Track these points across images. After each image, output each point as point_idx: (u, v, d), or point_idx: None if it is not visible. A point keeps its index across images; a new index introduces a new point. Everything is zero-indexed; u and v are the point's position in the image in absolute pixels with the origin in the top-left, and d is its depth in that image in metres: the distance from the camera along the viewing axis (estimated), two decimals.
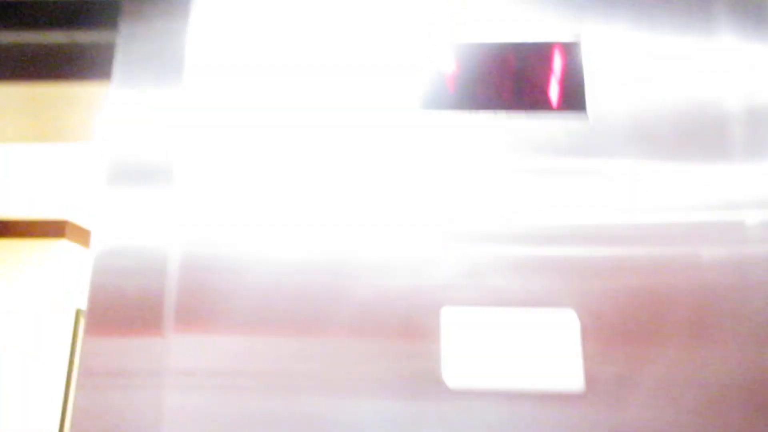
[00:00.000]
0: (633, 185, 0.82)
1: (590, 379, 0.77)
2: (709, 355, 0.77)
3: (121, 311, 0.89)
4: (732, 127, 0.82)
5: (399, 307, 0.79)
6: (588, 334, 0.78)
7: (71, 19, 1.13)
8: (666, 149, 0.82)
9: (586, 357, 0.78)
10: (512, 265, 0.80)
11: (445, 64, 0.88)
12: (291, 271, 0.84)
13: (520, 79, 0.87)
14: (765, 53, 0.84)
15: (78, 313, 3.44)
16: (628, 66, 0.85)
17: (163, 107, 0.90)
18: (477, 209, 0.83)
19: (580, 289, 0.79)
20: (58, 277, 3.47)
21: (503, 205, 0.83)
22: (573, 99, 0.84)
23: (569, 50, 0.87)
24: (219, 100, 0.89)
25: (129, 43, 0.93)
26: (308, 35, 0.91)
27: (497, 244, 0.81)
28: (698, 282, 0.78)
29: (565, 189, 0.82)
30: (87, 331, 0.85)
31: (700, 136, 0.82)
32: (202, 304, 0.84)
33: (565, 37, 0.88)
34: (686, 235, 0.80)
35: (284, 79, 0.89)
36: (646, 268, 0.79)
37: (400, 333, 0.79)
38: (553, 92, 0.85)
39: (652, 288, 0.79)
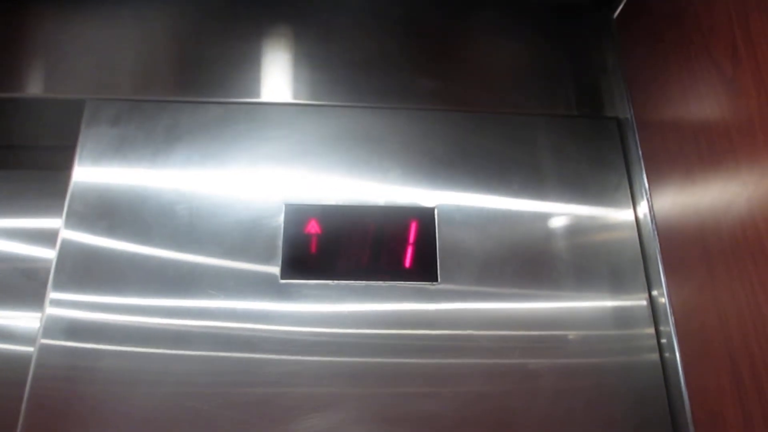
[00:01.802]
0: (478, 324, 0.94)
1: None
2: None
3: None
4: (560, 268, 0.98)
5: None
6: None
7: None
8: (507, 283, 0.97)
9: None
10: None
11: (309, 228, 0.97)
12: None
13: (378, 246, 0.97)
14: (584, 211, 1.03)
15: None
16: (474, 227, 0.99)
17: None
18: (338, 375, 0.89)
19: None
20: None
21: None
22: (425, 265, 0.97)
23: (424, 218, 0.99)
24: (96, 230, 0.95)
25: None
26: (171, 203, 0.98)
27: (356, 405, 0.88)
28: (529, 386, 0.90)
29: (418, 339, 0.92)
30: None
31: (535, 271, 0.98)
32: (65, 420, 0.83)
33: (421, 205, 1.00)
34: (520, 348, 0.93)
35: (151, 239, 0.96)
36: (485, 378, 0.91)
37: None
38: (408, 260, 0.96)
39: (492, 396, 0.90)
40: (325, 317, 0.92)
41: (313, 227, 0.97)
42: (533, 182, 1.04)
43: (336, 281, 0.94)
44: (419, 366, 0.90)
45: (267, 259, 0.94)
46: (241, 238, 0.95)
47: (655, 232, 0.97)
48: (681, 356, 0.88)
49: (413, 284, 0.95)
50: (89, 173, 0.97)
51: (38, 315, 0.89)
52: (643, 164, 1.00)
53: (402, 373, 0.89)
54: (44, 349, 0.86)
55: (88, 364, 0.86)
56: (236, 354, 0.88)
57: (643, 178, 1.00)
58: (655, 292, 0.96)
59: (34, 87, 1.05)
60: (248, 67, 1.09)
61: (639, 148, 1.02)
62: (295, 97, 1.08)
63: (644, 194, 1.00)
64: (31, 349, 0.88)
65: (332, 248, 0.96)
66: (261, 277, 0.93)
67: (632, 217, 1.02)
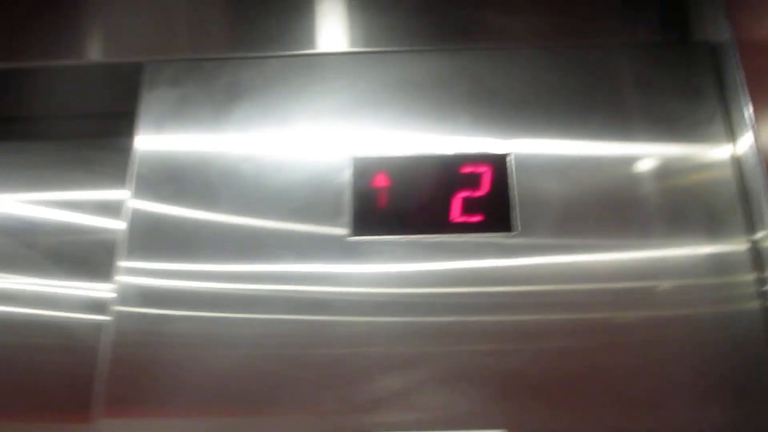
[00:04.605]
0: (560, 278, 0.88)
1: None
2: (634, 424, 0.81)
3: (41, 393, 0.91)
4: (649, 211, 0.90)
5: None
6: None
7: None
8: (591, 232, 0.89)
9: None
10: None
11: (377, 181, 0.92)
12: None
13: (449, 197, 0.91)
14: (674, 147, 0.93)
15: None
16: (552, 173, 0.92)
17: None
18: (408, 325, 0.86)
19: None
20: None
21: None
22: (501, 216, 0.91)
23: (497, 165, 0.92)
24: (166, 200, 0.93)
25: None
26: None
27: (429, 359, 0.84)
28: (616, 341, 0.85)
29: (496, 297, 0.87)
30: None
31: (621, 218, 0.90)
32: (145, 384, 0.83)
33: (494, 151, 0.93)
34: (606, 301, 0.86)
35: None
36: (571, 334, 0.85)
37: None
38: (482, 211, 0.90)
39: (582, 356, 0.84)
40: (397, 276, 0.88)
41: (381, 181, 0.93)
42: (616, 120, 0.95)
43: (407, 236, 0.89)
44: (498, 324, 0.85)
45: (335, 216, 0.91)
46: (308, 195, 0.92)
47: (761, 163, 0.86)
48: None
49: (488, 236, 0.89)
50: (152, 137, 0.96)
51: (111, 285, 0.90)
52: (747, 91, 0.89)
53: (480, 331, 0.85)
54: (120, 316, 0.87)
55: (163, 329, 0.86)
56: (308, 316, 0.86)
57: (745, 105, 0.90)
58: (758, 235, 0.87)
59: (93, 53, 1.04)
60: (303, 16, 1.04)
61: (741, 73, 0.91)
62: (353, 45, 1.02)
63: (748, 124, 0.90)
64: (104, 317, 0.89)
65: (402, 202, 0.91)
66: (329, 235, 0.90)
67: (730, 153, 0.92)
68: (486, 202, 0.91)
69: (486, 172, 0.93)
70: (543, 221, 0.90)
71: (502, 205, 0.91)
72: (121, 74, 1.03)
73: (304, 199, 0.92)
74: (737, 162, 0.92)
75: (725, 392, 0.82)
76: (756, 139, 0.88)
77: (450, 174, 0.93)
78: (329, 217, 0.91)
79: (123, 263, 0.90)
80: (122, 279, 0.89)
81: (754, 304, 0.85)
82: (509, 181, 0.92)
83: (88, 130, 1.14)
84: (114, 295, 0.88)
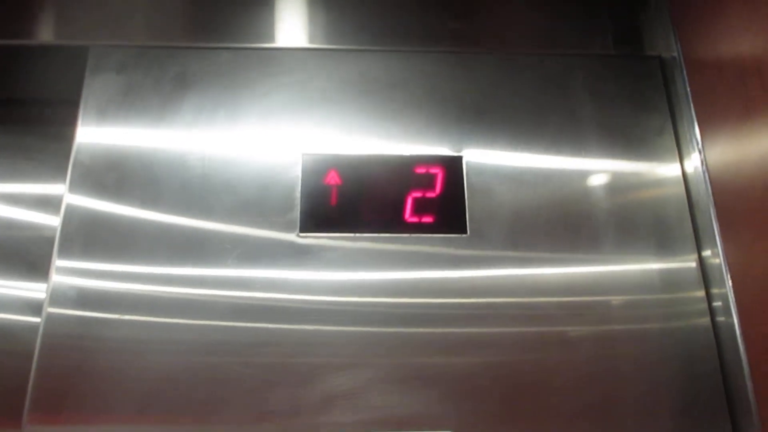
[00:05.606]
0: (510, 290, 0.87)
1: None
2: None
3: None
4: (599, 224, 0.91)
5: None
6: None
7: None
8: (541, 239, 0.90)
9: None
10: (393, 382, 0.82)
11: (328, 179, 0.91)
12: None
13: (402, 197, 0.91)
14: (625, 158, 0.95)
15: None
16: (505, 176, 0.92)
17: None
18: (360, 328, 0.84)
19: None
20: None
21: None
22: (453, 217, 0.90)
23: (451, 167, 0.92)
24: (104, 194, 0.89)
25: None
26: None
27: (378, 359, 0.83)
28: (568, 355, 0.85)
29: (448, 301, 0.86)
30: None
31: (570, 227, 0.91)
32: (75, 389, 0.79)
33: (447, 153, 0.94)
34: (558, 315, 0.86)
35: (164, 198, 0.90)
36: (520, 346, 0.85)
37: None
38: (434, 211, 0.90)
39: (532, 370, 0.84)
40: (348, 282, 0.86)
41: (333, 178, 0.91)
42: (569, 127, 0.96)
43: (358, 234, 0.88)
44: (448, 335, 0.84)
45: (285, 213, 0.89)
46: (257, 191, 0.90)
47: (708, 180, 0.88)
48: (739, 317, 0.81)
49: (440, 236, 0.88)
50: (94, 125, 0.92)
51: (44, 285, 0.85)
52: (692, 105, 0.91)
53: (430, 342, 0.84)
54: (51, 319, 0.82)
55: (97, 333, 0.82)
56: (251, 324, 0.83)
57: (692, 121, 0.92)
58: (707, 252, 0.88)
59: (36, 34, 0.99)
60: (261, 9, 1.01)
61: (687, 88, 0.93)
62: (311, 41, 1.00)
63: (693, 139, 0.92)
64: (38, 319, 0.84)
65: (354, 200, 0.90)
66: (279, 232, 0.88)
67: (678, 166, 0.94)
68: (438, 202, 0.91)
69: (439, 173, 0.92)
70: (495, 222, 0.90)
71: (455, 207, 0.90)
72: (67, 58, 0.98)
73: (253, 195, 0.89)
74: (686, 178, 0.93)
75: (675, 405, 0.83)
76: (700, 152, 0.90)
77: (404, 174, 0.92)
78: (279, 214, 0.89)
79: (57, 262, 0.85)
80: (55, 279, 0.84)
81: (704, 320, 0.87)
82: (462, 182, 0.92)
83: (31, 116, 1.08)
84: (46, 295, 0.83)
